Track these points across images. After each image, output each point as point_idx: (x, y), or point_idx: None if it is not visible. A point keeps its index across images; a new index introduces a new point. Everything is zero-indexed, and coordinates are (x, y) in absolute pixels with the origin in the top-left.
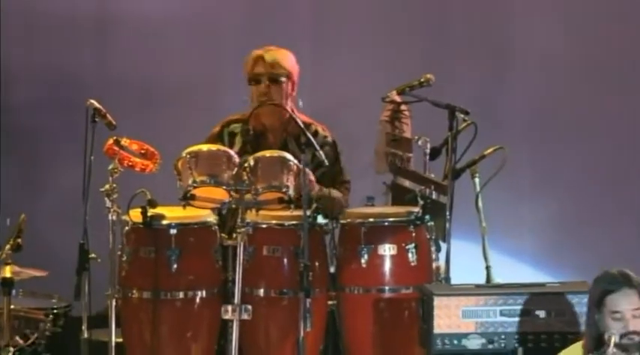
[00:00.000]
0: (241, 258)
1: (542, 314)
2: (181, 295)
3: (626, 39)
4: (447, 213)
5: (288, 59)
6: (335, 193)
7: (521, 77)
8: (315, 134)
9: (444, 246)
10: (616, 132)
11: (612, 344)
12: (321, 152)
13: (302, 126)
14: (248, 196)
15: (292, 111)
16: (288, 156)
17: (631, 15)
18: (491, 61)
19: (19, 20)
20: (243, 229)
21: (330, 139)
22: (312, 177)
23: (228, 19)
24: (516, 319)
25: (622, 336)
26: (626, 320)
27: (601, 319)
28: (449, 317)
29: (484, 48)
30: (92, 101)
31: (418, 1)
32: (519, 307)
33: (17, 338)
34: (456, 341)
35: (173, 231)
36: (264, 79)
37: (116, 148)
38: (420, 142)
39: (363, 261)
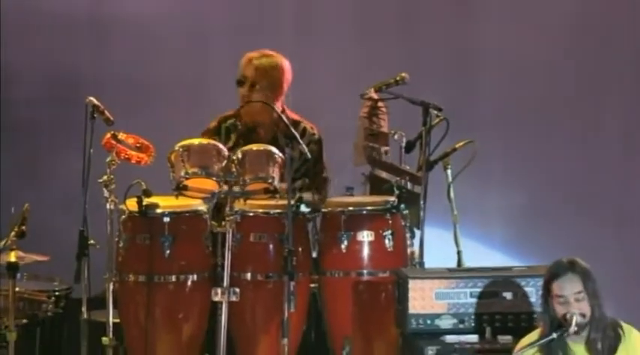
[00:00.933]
0: (230, 244)
1: (509, 295)
2: (174, 279)
3: (584, 40)
4: (421, 202)
5: (276, 67)
6: (313, 197)
7: (490, 76)
8: (304, 131)
9: (418, 232)
10: (579, 127)
11: (574, 323)
12: (306, 148)
13: (288, 123)
14: (236, 187)
15: (283, 109)
16: (274, 149)
17: (589, 16)
18: (462, 61)
19: (18, 20)
20: (231, 217)
21: (316, 137)
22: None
23: (216, 19)
24: (485, 300)
25: (568, 316)
26: (570, 303)
27: (551, 303)
28: (423, 298)
29: (455, 48)
30: (91, 98)
31: (394, 4)
32: (488, 289)
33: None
34: (429, 321)
35: (166, 219)
36: (247, 83)
37: (113, 142)
38: (396, 136)
39: (343, 246)
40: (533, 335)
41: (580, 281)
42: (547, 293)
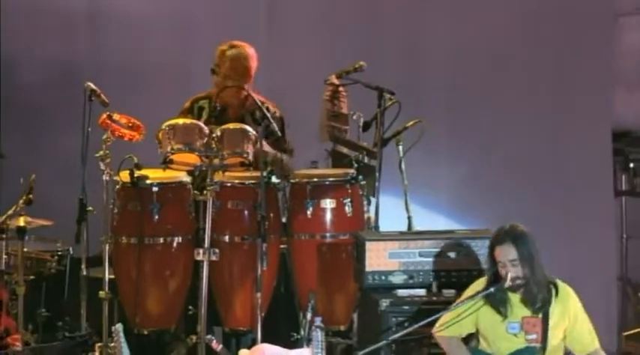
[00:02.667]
0: (210, 210)
1: (452, 255)
2: (161, 240)
3: (522, 26)
4: (377, 174)
5: (245, 57)
6: (284, 157)
7: (437, 62)
8: (267, 110)
9: (373, 200)
10: (517, 105)
11: (508, 280)
12: (274, 124)
13: (260, 104)
14: (216, 160)
15: (248, 93)
16: (248, 128)
17: (525, 5)
18: (413, 50)
19: (21, 14)
20: (211, 187)
21: (278, 114)
22: (267, 147)
23: (197, 14)
24: (432, 259)
25: (505, 281)
26: (507, 268)
27: (492, 266)
28: (378, 257)
29: (407, 39)
30: (89, 84)
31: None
32: (434, 249)
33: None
34: (383, 277)
35: (155, 189)
36: (221, 71)
37: (109, 122)
38: (354, 117)
39: (308, 212)
40: (478, 285)
41: (515, 250)
42: (491, 256)
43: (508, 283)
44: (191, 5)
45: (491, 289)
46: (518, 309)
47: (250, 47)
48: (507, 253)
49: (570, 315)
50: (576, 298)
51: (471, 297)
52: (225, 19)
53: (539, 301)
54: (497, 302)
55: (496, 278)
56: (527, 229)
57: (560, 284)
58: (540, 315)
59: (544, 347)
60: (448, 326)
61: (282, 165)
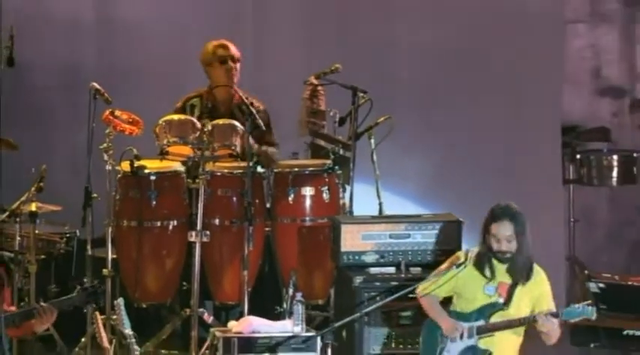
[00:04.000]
0: (202, 197)
1: (418, 236)
2: (159, 224)
3: (482, 31)
4: (351, 165)
5: (233, 49)
6: (270, 149)
7: (404, 63)
8: (251, 105)
9: (348, 188)
10: (477, 103)
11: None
12: (259, 119)
13: (245, 100)
14: (207, 152)
15: (235, 90)
16: (236, 123)
17: (485, 13)
18: (382, 52)
19: (33, 23)
20: (203, 176)
21: (262, 108)
22: (252, 141)
23: (188, 20)
24: (400, 240)
25: (497, 253)
26: (501, 242)
27: (488, 238)
28: (352, 239)
29: (378, 42)
30: (94, 84)
31: (332, 7)
32: (403, 232)
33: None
34: (357, 257)
35: (153, 178)
36: (228, 61)
37: (111, 118)
38: (331, 113)
39: (290, 199)
40: (458, 257)
41: (512, 227)
42: (487, 230)
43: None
44: (182, 12)
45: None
46: (500, 277)
47: (236, 49)
48: (504, 229)
49: (535, 295)
50: (546, 280)
51: (460, 264)
52: (215, 24)
53: (520, 274)
54: (485, 266)
55: (486, 250)
56: (519, 208)
57: (536, 268)
58: (511, 282)
59: (506, 306)
60: (429, 291)
61: (268, 158)
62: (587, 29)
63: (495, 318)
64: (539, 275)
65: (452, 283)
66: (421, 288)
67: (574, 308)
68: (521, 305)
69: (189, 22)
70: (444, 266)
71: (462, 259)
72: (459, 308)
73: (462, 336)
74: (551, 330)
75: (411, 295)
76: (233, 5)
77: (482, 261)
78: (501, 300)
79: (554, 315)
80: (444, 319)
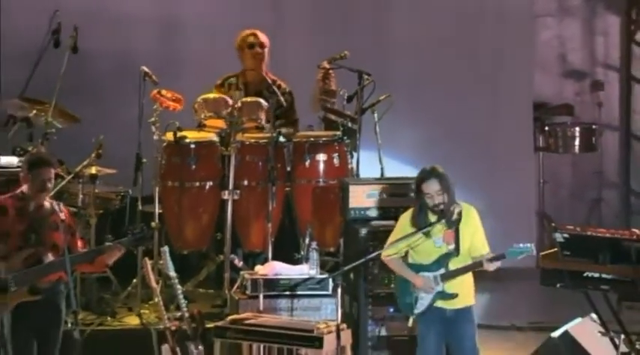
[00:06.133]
0: (233, 162)
1: (413, 194)
2: (197, 184)
3: (465, 23)
4: (357, 135)
5: (262, 38)
6: (284, 130)
7: (401, 50)
8: (279, 86)
9: (355, 154)
10: (461, 83)
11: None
12: (282, 98)
13: (270, 82)
14: (237, 125)
15: (266, 72)
16: (262, 100)
17: (468, 7)
18: (383, 40)
19: (94, 18)
20: (234, 145)
21: (287, 89)
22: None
23: (222, 15)
24: (400, 198)
25: (433, 206)
26: (433, 197)
27: (420, 197)
28: (358, 197)
29: (379, 32)
30: (143, 67)
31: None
32: (400, 191)
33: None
34: (362, 212)
35: (192, 146)
36: (256, 47)
37: (158, 96)
38: (341, 92)
39: (306, 163)
40: (405, 216)
41: (438, 183)
42: (419, 190)
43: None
44: (216, 8)
45: (433, 222)
46: (440, 227)
47: (264, 36)
48: (433, 186)
49: (471, 231)
50: (477, 216)
51: (410, 235)
52: (242, 18)
53: (451, 220)
54: (421, 221)
55: (421, 207)
56: (442, 168)
57: (466, 206)
58: (453, 229)
59: (457, 252)
60: (392, 253)
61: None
62: (554, 22)
63: (452, 265)
64: (469, 211)
65: (407, 243)
66: (384, 251)
67: (516, 248)
68: (466, 245)
69: (222, 17)
70: (395, 231)
71: (409, 225)
72: (419, 260)
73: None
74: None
75: None
76: (257, 2)
77: (419, 218)
78: (452, 247)
79: (500, 257)
80: (416, 277)
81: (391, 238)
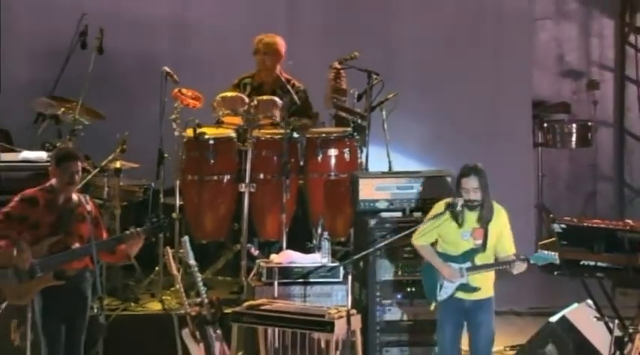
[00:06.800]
0: (249, 156)
1: (419, 187)
2: (215, 178)
3: (470, 24)
4: (367, 131)
5: (278, 42)
6: (305, 121)
7: (408, 51)
8: (293, 85)
9: (364, 149)
10: (464, 82)
11: (459, 203)
12: (295, 96)
13: (284, 81)
14: (253, 121)
15: (280, 71)
16: (276, 98)
17: (471, 9)
18: (390, 42)
19: (118, 21)
20: (250, 140)
21: (302, 88)
22: None
23: (238, 18)
24: (405, 191)
25: (466, 201)
26: (469, 192)
27: (458, 190)
28: (367, 190)
29: (385, 34)
30: (165, 67)
31: (351, 6)
32: (407, 184)
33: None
34: (371, 204)
35: (211, 142)
36: (262, 52)
37: (178, 94)
38: (351, 91)
39: (319, 158)
40: (439, 207)
41: (477, 181)
42: (459, 184)
43: (459, 208)
44: (233, 11)
45: (457, 202)
46: (471, 223)
47: (281, 39)
48: (471, 183)
49: (500, 227)
50: (506, 217)
51: (440, 214)
52: (258, 22)
53: (486, 218)
54: (458, 214)
55: (458, 201)
56: (484, 167)
57: (497, 206)
58: (483, 226)
59: (484, 248)
60: (421, 236)
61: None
62: (552, 25)
63: (478, 260)
64: (500, 213)
65: (437, 229)
66: (414, 236)
67: (540, 254)
68: (493, 243)
69: (238, 20)
70: (428, 215)
71: (442, 209)
72: (447, 250)
73: None
74: (521, 270)
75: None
76: (271, 6)
77: (456, 211)
78: (479, 243)
79: (525, 260)
80: (445, 267)
81: (424, 223)
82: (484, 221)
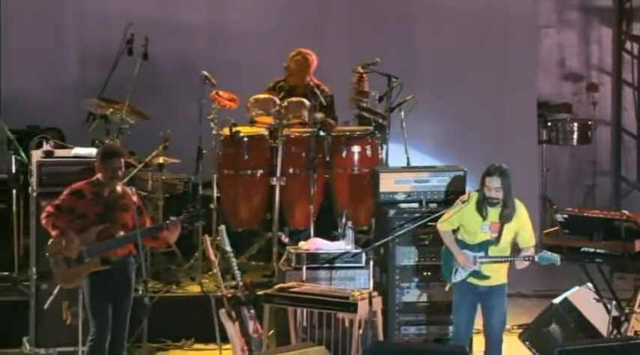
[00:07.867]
0: (280, 153)
1: (435, 181)
2: (249, 172)
3: (480, 32)
4: (387, 130)
5: (308, 59)
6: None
7: (425, 56)
8: (322, 90)
9: (385, 146)
10: (475, 85)
11: (479, 197)
12: (323, 99)
13: (313, 86)
14: (284, 121)
15: (311, 78)
16: (305, 100)
17: (480, 18)
18: (408, 48)
19: (160, 29)
20: (281, 138)
21: (329, 93)
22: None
23: (272, 26)
24: (423, 184)
25: (489, 198)
26: (491, 190)
27: (482, 188)
28: (388, 183)
29: (405, 40)
30: (204, 72)
31: (374, 16)
32: (424, 178)
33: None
34: (391, 196)
35: (245, 139)
36: (293, 67)
37: (216, 96)
38: (372, 93)
39: (343, 154)
40: (464, 197)
41: (500, 181)
42: (483, 182)
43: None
44: (267, 19)
45: (467, 202)
46: (493, 217)
47: (311, 53)
48: (495, 182)
49: (520, 223)
50: (525, 212)
51: (465, 201)
52: (291, 30)
53: (507, 217)
54: (482, 208)
55: (483, 196)
56: (508, 167)
57: (517, 202)
58: (500, 222)
59: (497, 242)
60: (445, 222)
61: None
62: (554, 32)
63: (491, 252)
64: (519, 209)
65: (459, 216)
66: (440, 221)
67: (545, 254)
68: (507, 238)
69: (272, 27)
70: (455, 204)
71: (467, 197)
72: (465, 239)
73: None
74: (522, 267)
75: (429, 223)
76: (304, 15)
77: (480, 205)
78: (494, 236)
79: (531, 258)
80: (459, 254)
81: (450, 210)
82: (505, 219)
